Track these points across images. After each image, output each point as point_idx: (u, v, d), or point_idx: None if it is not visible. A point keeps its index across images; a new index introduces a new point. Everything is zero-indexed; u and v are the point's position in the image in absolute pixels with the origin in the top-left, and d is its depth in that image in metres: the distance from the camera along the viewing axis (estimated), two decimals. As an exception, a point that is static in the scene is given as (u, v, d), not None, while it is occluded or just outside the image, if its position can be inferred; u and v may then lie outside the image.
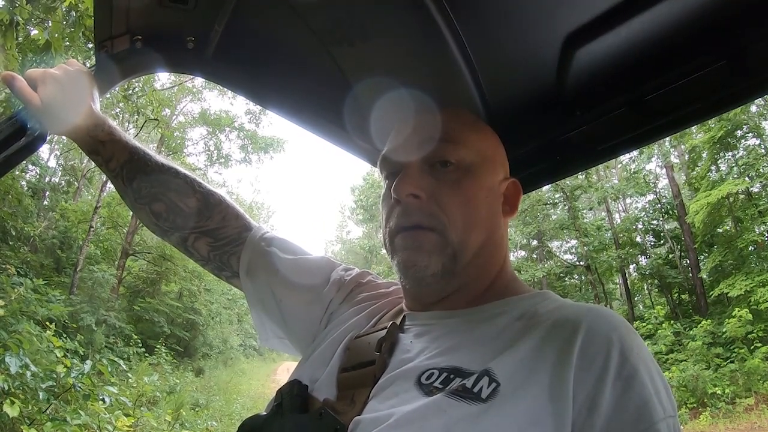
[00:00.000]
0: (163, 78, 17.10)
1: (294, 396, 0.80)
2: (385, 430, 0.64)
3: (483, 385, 0.64)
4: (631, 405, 0.60)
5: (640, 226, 21.09)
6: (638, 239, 21.14)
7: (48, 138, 0.95)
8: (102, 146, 1.03)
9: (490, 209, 0.86)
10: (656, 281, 19.83)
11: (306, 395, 0.81)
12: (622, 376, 0.61)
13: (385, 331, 0.82)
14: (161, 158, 1.09)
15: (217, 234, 1.09)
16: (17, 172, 12.61)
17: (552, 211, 22.93)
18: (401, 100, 1.06)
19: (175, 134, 19.22)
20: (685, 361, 12.78)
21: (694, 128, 15.36)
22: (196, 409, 10.67)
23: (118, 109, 13.88)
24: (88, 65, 1.03)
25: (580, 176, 19.64)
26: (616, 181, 21.42)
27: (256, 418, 0.81)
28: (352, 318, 0.95)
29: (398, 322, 0.85)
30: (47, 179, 17.22)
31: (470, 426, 0.61)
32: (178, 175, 1.08)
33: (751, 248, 14.55)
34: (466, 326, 0.77)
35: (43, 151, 16.35)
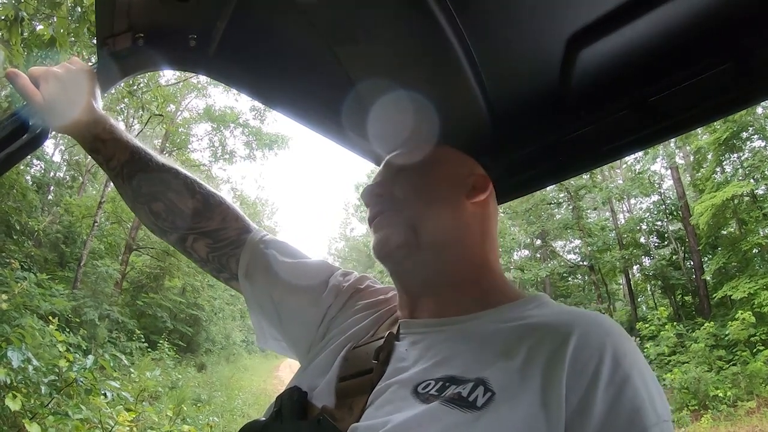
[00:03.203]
0: (168, 74, 17.11)
1: (294, 402, 0.81)
2: None
3: (478, 393, 0.64)
4: (623, 410, 0.60)
5: (644, 227, 21.03)
6: (642, 240, 21.07)
7: (50, 135, 0.95)
8: (103, 144, 1.03)
9: (446, 191, 0.91)
10: (660, 282, 19.77)
11: (305, 402, 0.81)
12: (615, 381, 0.61)
13: (383, 340, 0.83)
14: (162, 158, 1.09)
15: (216, 235, 1.09)
16: (22, 167, 12.66)
17: (556, 210, 22.89)
18: (401, 103, 1.06)
19: (179, 130, 19.27)
20: (687, 363, 12.74)
21: (699, 129, 15.30)
22: (198, 405, 10.71)
23: (122, 105, 13.90)
24: (92, 61, 1.04)
25: (585, 176, 19.61)
26: (620, 182, 21.37)
27: (255, 424, 0.82)
28: (352, 328, 0.95)
29: (395, 330, 0.86)
30: (52, 174, 17.27)
31: None
32: (178, 175, 1.08)
33: (755, 251, 14.49)
34: (461, 335, 0.78)
35: (48, 146, 16.42)
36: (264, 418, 0.82)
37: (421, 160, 0.94)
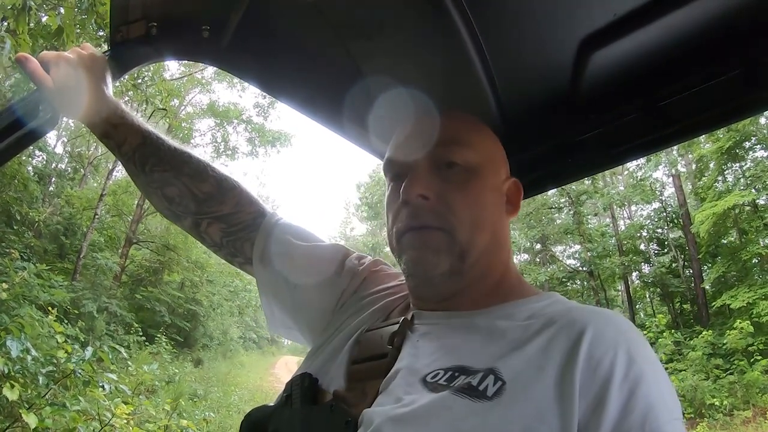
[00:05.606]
0: (173, 68, 17.13)
1: (304, 388, 0.80)
2: (392, 424, 0.64)
3: (489, 383, 0.64)
4: (637, 408, 0.59)
5: (644, 234, 21.03)
6: (642, 247, 21.07)
7: (59, 121, 0.95)
8: (114, 130, 1.02)
9: (495, 209, 0.86)
10: (658, 290, 19.79)
11: (316, 387, 0.81)
12: (629, 378, 0.61)
13: (397, 325, 0.82)
14: (174, 143, 1.08)
15: (230, 219, 1.09)
16: (24, 158, 12.66)
17: (557, 215, 22.90)
18: (412, 100, 1.05)
19: (182, 125, 19.23)
20: (684, 371, 12.75)
21: (702, 138, 15.31)
22: (195, 400, 10.70)
23: (126, 98, 13.90)
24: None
25: (586, 181, 19.62)
26: (622, 188, 21.38)
27: (264, 409, 0.81)
28: (364, 311, 0.95)
29: (409, 317, 0.85)
30: (53, 165, 17.24)
31: (476, 422, 0.61)
32: (191, 159, 1.07)
33: (754, 260, 14.50)
34: (473, 327, 0.77)
35: (50, 137, 16.39)
36: (273, 404, 0.82)
37: (472, 153, 0.84)
